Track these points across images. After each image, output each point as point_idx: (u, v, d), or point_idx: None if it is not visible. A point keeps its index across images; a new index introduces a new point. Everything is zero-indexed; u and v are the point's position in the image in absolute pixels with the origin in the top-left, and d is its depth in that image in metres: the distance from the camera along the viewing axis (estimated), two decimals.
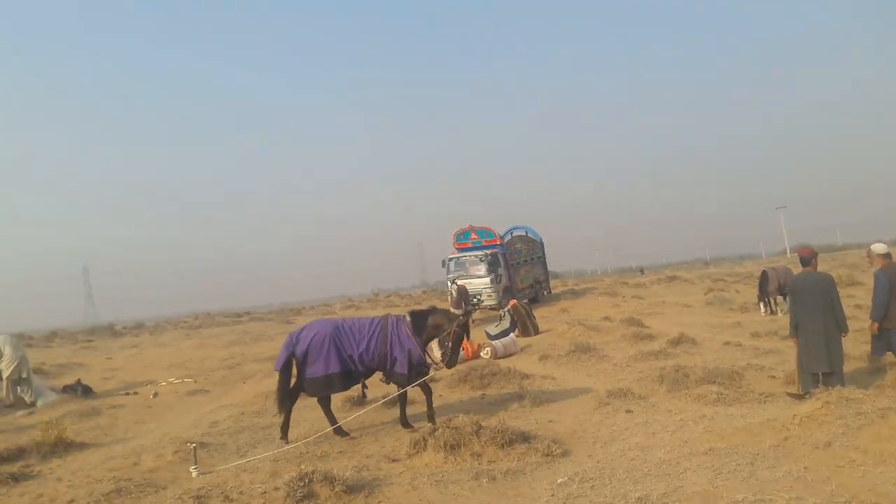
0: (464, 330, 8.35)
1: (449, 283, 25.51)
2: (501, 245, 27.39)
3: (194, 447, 7.16)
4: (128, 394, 13.71)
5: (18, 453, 8.56)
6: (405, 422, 8.31)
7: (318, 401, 8.37)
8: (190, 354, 20.50)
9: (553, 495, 5.46)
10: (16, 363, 12.80)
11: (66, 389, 13.72)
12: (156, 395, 13.30)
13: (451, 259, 26.81)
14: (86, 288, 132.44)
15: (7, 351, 12.82)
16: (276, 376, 8.41)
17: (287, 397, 8.31)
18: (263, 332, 26.18)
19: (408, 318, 8.31)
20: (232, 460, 7.47)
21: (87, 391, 13.56)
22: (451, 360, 8.30)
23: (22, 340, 14.89)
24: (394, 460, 6.91)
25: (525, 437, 7.00)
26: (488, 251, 26.23)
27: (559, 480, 5.78)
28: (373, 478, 6.25)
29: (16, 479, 7.43)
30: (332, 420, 8.31)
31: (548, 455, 6.61)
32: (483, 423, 7.06)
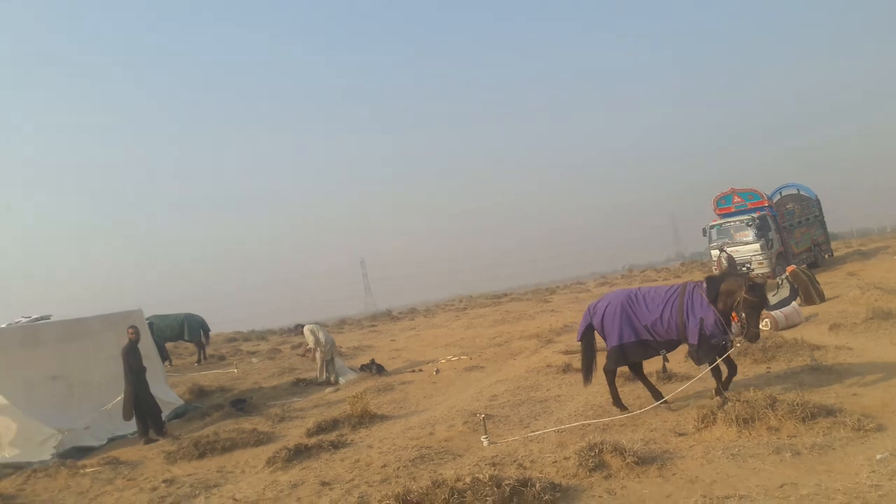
0: (756, 295, 7.37)
1: (714, 253, 23.97)
2: (770, 206, 24.98)
3: (483, 418, 7.65)
4: (413, 371, 15.02)
5: (334, 424, 9.86)
6: (721, 391, 7.64)
7: (605, 373, 8.30)
8: (461, 334, 21.81)
9: (874, 471, 4.92)
10: (328, 346, 14.76)
11: (363, 368, 15.46)
12: (438, 371, 14.40)
13: (712, 226, 25.12)
14: (364, 279, 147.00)
15: (321, 336, 14.82)
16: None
17: (592, 365, 8.49)
18: (524, 311, 26.91)
19: (704, 285, 7.73)
20: (516, 431, 7.84)
21: (380, 369, 15.14)
22: (748, 332, 7.38)
23: (325, 327, 17.02)
24: (681, 434, 6.73)
25: (828, 411, 6.40)
26: (755, 214, 24.11)
27: (879, 456, 5.19)
28: (662, 451, 6.16)
29: (335, 446, 8.57)
30: (615, 393, 8.25)
31: (858, 429, 5.96)
32: (777, 397, 6.59)
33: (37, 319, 15.57)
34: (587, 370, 8.53)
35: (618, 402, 8.21)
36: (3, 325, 14.57)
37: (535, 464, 6.31)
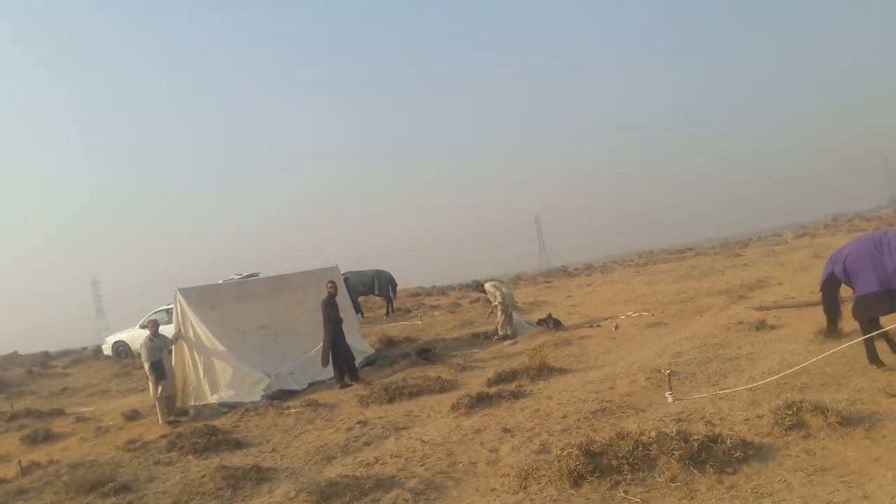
0: None
1: None
2: None
3: (669, 374, 7.40)
4: (591, 326, 14.84)
5: (513, 375, 10.05)
6: None
7: (860, 326, 7.31)
8: (642, 290, 21.13)
9: None
10: (508, 301, 15.03)
11: (540, 322, 15.54)
12: (617, 327, 14.12)
13: None
14: (539, 236, 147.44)
15: (504, 292, 15.12)
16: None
17: (835, 318, 7.77)
18: (711, 266, 25.43)
19: None
20: (703, 389, 7.50)
21: (557, 324, 15.13)
22: None
23: (502, 283, 17.28)
24: (892, 395, 6.04)
25: None
26: None
27: None
28: (870, 412, 5.59)
29: (515, 395, 8.73)
30: (870, 346, 7.15)
31: None
32: None
33: (248, 276, 17.32)
34: (831, 323, 7.75)
35: (873, 356, 7.12)
36: (220, 282, 16.39)
37: (725, 421, 6.01)
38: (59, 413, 14.27)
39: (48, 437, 11.58)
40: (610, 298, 20.36)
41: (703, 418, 6.23)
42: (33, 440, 11.45)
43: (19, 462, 9.21)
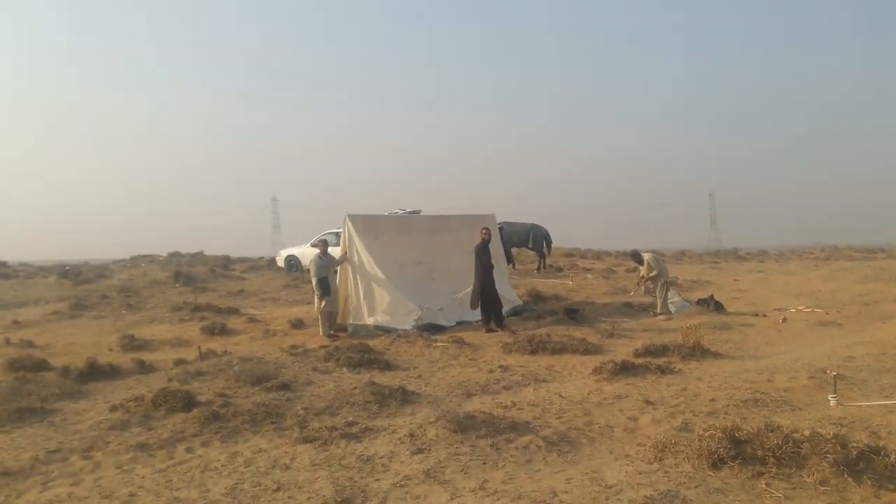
0: None
1: None
2: None
3: (835, 376, 6.89)
4: (756, 315, 14.00)
5: (663, 350, 9.77)
6: None
7: None
8: (819, 285, 19.54)
9: None
10: (665, 277, 14.56)
11: (700, 303, 14.88)
12: (784, 320, 13.22)
13: None
14: (711, 213, 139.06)
15: (662, 266, 14.67)
16: None
17: None
18: None
19: None
20: (874, 398, 6.91)
21: (718, 306, 14.41)
22: None
23: (662, 257, 16.68)
24: None
25: None
26: None
27: None
28: None
29: (662, 371, 8.50)
30: None
31: None
32: None
33: (411, 213, 18.10)
34: None
35: None
36: (385, 214, 17.24)
37: (893, 436, 5.52)
38: (234, 311, 15.88)
39: (224, 331, 12.97)
40: (781, 289, 19.05)
41: (867, 428, 5.76)
42: (211, 331, 12.90)
43: (199, 348, 10.41)
